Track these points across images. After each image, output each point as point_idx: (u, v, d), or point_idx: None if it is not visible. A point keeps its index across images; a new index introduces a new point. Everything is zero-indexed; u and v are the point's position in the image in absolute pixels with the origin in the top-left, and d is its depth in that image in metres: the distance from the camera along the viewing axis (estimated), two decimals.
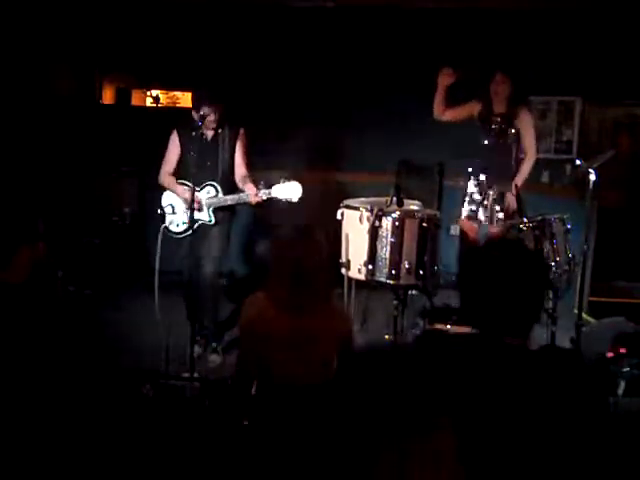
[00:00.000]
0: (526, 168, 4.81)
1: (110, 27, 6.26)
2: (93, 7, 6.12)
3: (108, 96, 6.81)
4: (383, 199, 4.18)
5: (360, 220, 4.07)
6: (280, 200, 4.19)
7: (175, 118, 4.90)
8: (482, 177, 4.73)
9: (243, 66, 6.31)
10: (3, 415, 1.89)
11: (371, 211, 4.02)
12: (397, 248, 3.99)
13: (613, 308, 4.98)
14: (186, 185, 4.37)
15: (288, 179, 4.16)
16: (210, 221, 4.39)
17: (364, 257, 4.02)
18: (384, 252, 4.00)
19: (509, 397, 1.63)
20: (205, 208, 4.37)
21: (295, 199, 4.14)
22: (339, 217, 4.25)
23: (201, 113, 4.20)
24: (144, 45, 6.36)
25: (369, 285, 4.21)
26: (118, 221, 6.16)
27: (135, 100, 6.72)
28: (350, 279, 4.22)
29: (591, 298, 5.37)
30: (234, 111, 4.67)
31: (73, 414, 2.01)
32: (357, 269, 4.09)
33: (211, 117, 4.31)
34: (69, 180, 6.01)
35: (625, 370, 3.96)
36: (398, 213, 4.02)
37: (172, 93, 6.59)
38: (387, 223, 4.00)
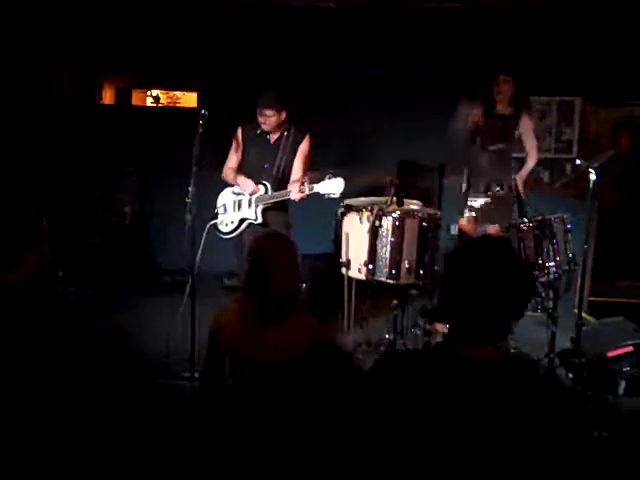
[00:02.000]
0: (529, 166, 4.82)
1: (110, 27, 6.26)
2: (93, 7, 6.12)
3: (108, 96, 6.81)
4: (383, 199, 4.18)
5: (360, 220, 4.06)
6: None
7: (175, 118, 4.90)
8: (483, 177, 4.76)
9: (243, 66, 6.32)
10: (4, 412, 1.89)
11: (371, 211, 4.01)
12: (397, 248, 3.99)
13: (613, 308, 4.99)
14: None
15: (335, 175, 4.23)
16: (256, 219, 4.48)
17: (364, 257, 4.02)
18: (384, 252, 4.00)
19: (455, 412, 1.56)
20: (253, 205, 4.47)
21: (337, 194, 4.19)
22: (339, 217, 4.25)
23: (201, 114, 4.22)
24: (144, 45, 6.36)
25: (369, 285, 4.21)
26: (118, 221, 6.16)
27: (135, 100, 6.72)
28: (350, 279, 4.22)
29: (591, 298, 5.37)
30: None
31: (73, 413, 2.01)
32: (357, 269, 4.09)
33: (272, 120, 4.43)
34: (69, 180, 6.01)
35: (625, 370, 3.97)
36: (398, 213, 4.02)
37: (172, 93, 6.60)
38: (387, 223, 4.00)
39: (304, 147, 4.58)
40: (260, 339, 2.48)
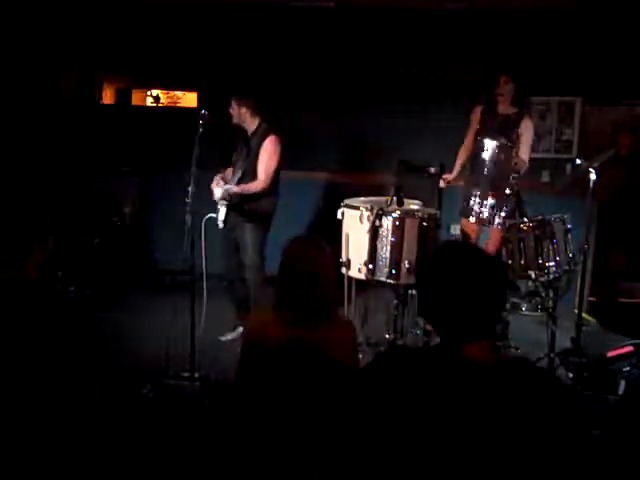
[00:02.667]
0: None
1: (111, 27, 6.26)
2: (94, 8, 6.12)
3: (108, 96, 6.81)
4: (383, 199, 4.18)
5: (360, 220, 4.07)
6: None
7: (175, 118, 4.91)
8: (483, 176, 4.74)
9: (243, 66, 6.31)
10: (3, 413, 1.89)
11: (371, 211, 4.02)
12: (397, 247, 3.99)
13: (613, 308, 4.99)
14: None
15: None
16: (221, 219, 4.62)
17: (364, 257, 4.02)
18: (384, 251, 4.00)
19: (452, 413, 1.56)
20: (219, 205, 4.62)
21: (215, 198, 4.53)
22: (339, 217, 4.25)
23: (201, 113, 4.24)
24: (144, 45, 6.36)
25: (370, 284, 4.21)
26: (118, 221, 6.16)
27: (135, 100, 6.72)
28: (350, 279, 4.22)
29: (591, 298, 5.37)
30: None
31: (73, 414, 2.01)
32: (357, 269, 4.09)
33: (233, 113, 4.65)
34: (69, 180, 6.01)
35: (625, 370, 3.96)
36: (398, 213, 4.02)
37: (172, 93, 6.59)
38: (387, 223, 4.00)
39: (267, 147, 4.64)
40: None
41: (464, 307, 1.64)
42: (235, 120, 4.69)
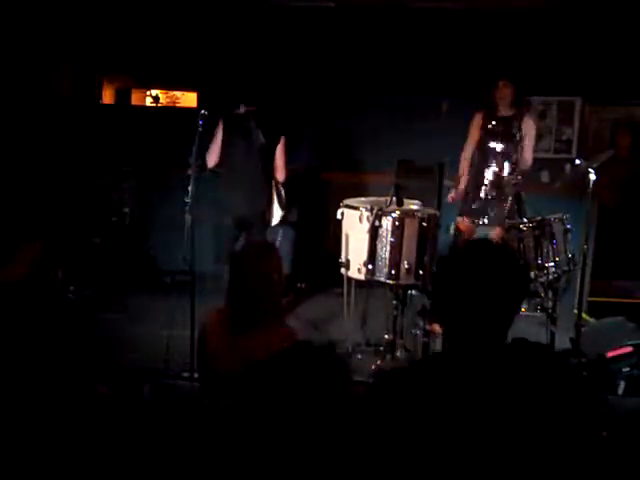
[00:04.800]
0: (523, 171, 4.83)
1: (110, 27, 6.25)
2: (93, 7, 6.12)
3: (108, 96, 6.81)
4: (383, 199, 4.18)
5: (360, 220, 4.06)
6: None
7: (175, 118, 4.90)
8: (485, 178, 4.76)
9: (243, 66, 6.31)
10: (3, 413, 1.89)
11: (371, 211, 4.01)
12: (397, 248, 3.99)
13: (613, 308, 4.98)
14: None
15: None
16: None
17: (364, 257, 4.02)
18: (384, 252, 4.00)
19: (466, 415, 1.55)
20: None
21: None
22: (339, 217, 4.25)
23: (201, 113, 4.24)
24: (144, 45, 6.36)
25: (369, 285, 4.21)
26: (118, 221, 6.16)
27: (135, 100, 6.72)
28: (350, 279, 4.22)
29: (591, 298, 5.37)
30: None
31: (72, 414, 2.01)
32: (357, 269, 4.08)
33: None
34: (69, 180, 6.00)
35: (625, 370, 3.96)
36: (398, 213, 4.02)
37: (172, 93, 6.60)
38: (387, 223, 4.00)
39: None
40: (232, 348, 2.47)
41: (482, 309, 1.62)
42: None
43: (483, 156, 4.80)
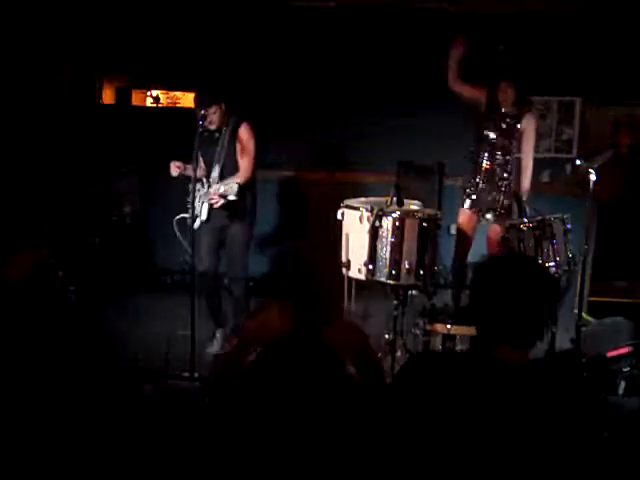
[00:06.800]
0: (528, 174, 4.83)
1: (110, 27, 6.25)
2: (93, 7, 6.12)
3: (108, 96, 6.80)
4: (383, 199, 4.18)
5: (360, 220, 4.06)
6: None
7: (175, 118, 4.90)
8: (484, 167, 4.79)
9: (243, 66, 6.31)
10: (3, 413, 1.89)
11: (371, 211, 4.01)
12: (397, 248, 3.99)
13: (613, 308, 4.99)
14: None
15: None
16: (204, 218, 4.48)
17: (364, 257, 4.02)
18: (384, 252, 4.00)
19: (483, 414, 1.61)
20: (198, 204, 4.46)
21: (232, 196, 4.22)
22: (339, 217, 4.25)
23: (202, 113, 4.24)
24: (144, 45, 6.36)
25: (369, 285, 4.21)
26: (118, 221, 6.16)
27: (135, 100, 6.72)
28: (350, 279, 4.22)
29: (591, 298, 5.37)
30: (240, 107, 4.69)
31: (72, 414, 2.01)
32: (357, 269, 4.08)
33: (210, 117, 4.38)
34: (69, 180, 6.00)
35: (625, 370, 3.97)
36: (398, 213, 4.02)
37: (172, 93, 6.59)
38: (387, 223, 4.00)
39: (242, 136, 4.48)
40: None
41: (518, 315, 1.72)
42: (217, 124, 4.47)
43: (480, 145, 4.84)
